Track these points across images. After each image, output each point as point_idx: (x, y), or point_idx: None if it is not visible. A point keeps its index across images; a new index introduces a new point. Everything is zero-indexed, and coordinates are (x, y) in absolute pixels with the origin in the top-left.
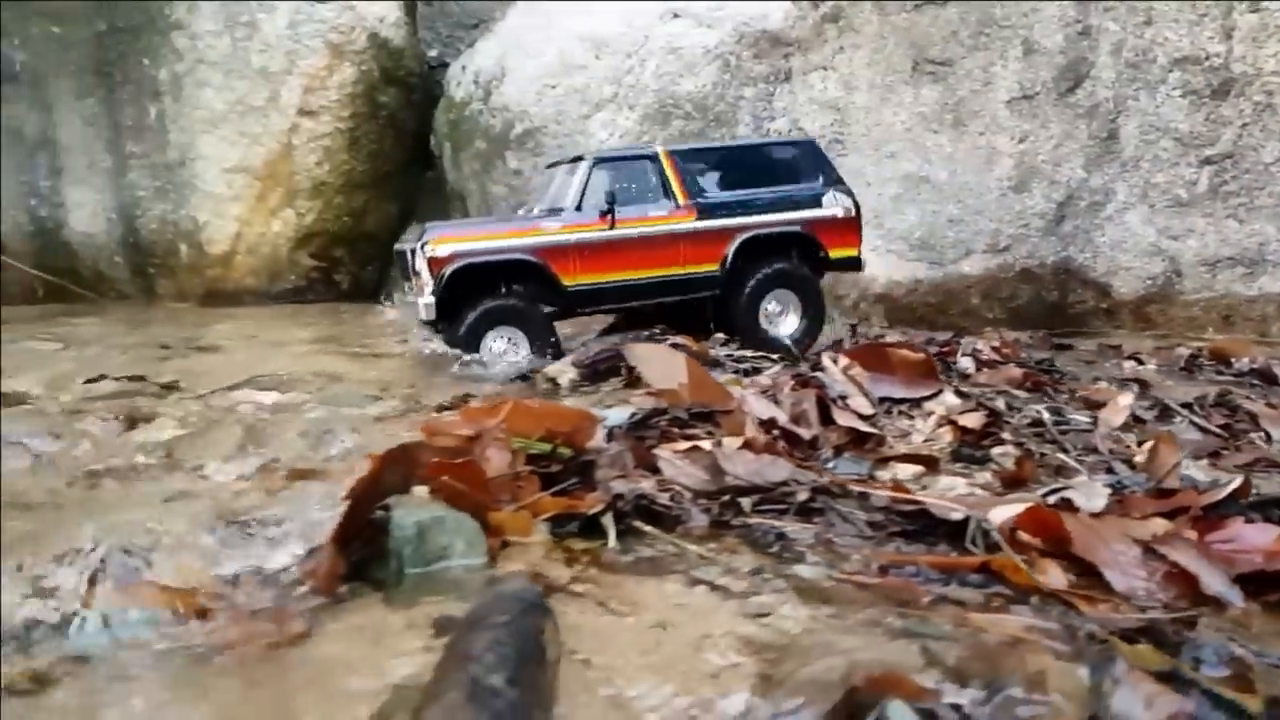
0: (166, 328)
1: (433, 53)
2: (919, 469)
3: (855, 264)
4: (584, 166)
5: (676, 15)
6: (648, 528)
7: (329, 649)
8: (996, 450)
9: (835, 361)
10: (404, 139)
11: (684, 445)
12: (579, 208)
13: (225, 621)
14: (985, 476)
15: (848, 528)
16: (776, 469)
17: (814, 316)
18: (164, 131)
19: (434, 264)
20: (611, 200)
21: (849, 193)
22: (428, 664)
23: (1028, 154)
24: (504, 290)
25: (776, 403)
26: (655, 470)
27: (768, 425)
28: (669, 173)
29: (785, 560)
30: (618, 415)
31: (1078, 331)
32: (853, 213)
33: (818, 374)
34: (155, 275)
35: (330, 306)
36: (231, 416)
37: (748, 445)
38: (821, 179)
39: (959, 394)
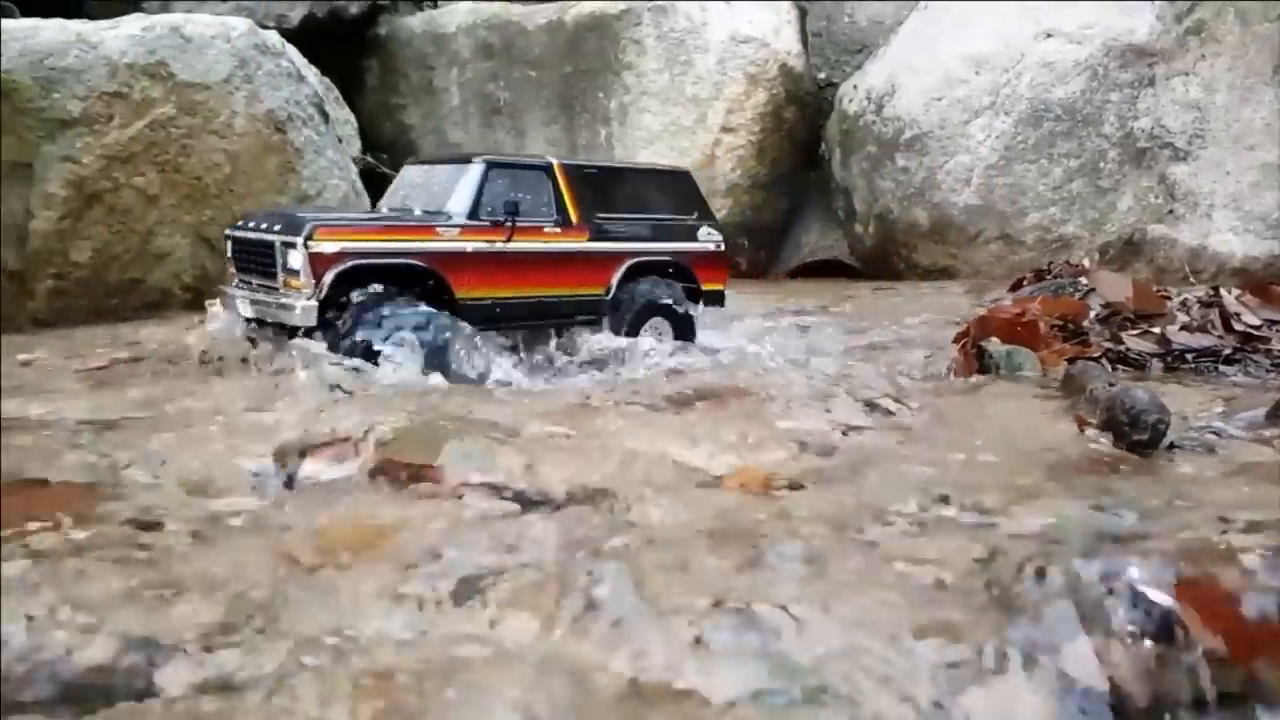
0: None
1: (821, 75)
2: None
3: (720, 299)
4: (477, 169)
5: (1049, 35)
6: (1126, 369)
7: (990, 392)
8: None
9: (1230, 291)
10: (797, 147)
11: (1135, 331)
12: (473, 214)
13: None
14: None
15: (1258, 369)
16: (1208, 339)
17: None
18: (610, 149)
19: (318, 261)
20: (514, 210)
21: (718, 226)
22: (1043, 394)
23: None
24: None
25: (1188, 315)
26: (1120, 342)
27: (1186, 326)
28: (563, 187)
29: (1223, 382)
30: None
31: None
32: (722, 248)
33: (1218, 298)
34: None
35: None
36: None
37: (1184, 328)
38: (696, 213)
39: None
